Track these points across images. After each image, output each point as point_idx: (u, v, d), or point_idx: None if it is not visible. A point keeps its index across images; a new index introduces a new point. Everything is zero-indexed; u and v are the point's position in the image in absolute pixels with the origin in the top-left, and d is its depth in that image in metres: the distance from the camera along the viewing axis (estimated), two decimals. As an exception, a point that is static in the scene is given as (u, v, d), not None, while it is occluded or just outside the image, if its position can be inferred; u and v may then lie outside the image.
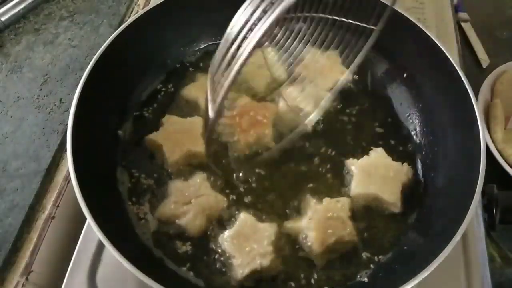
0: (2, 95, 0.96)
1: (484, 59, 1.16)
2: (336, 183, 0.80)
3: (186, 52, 0.97)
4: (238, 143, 0.82)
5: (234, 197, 0.78)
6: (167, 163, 0.79)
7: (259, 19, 0.51)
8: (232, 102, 0.87)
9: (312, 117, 0.86)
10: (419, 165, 0.82)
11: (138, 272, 0.59)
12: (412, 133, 0.86)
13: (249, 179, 0.80)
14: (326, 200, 0.74)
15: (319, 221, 0.72)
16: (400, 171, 0.78)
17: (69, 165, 0.67)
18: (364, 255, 0.73)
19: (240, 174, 0.80)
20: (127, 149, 0.83)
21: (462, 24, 1.24)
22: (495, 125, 0.97)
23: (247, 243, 0.70)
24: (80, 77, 0.76)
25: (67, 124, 0.71)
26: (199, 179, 0.77)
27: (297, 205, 0.77)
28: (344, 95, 0.90)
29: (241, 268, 0.68)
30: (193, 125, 0.83)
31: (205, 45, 0.99)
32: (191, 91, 0.89)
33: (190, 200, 0.74)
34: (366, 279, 0.70)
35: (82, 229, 0.76)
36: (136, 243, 0.73)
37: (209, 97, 0.58)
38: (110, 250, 0.60)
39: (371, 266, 0.72)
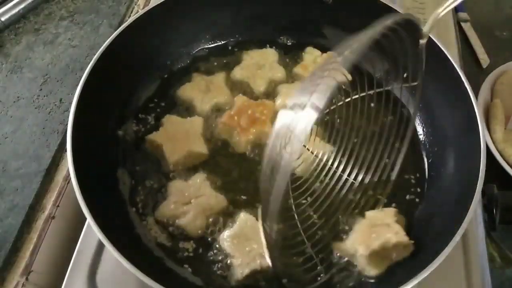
0: (2, 95, 0.96)
1: (484, 59, 1.16)
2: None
3: (185, 52, 0.97)
4: (239, 142, 0.82)
5: (235, 196, 0.78)
6: (167, 163, 0.79)
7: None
8: (229, 101, 0.88)
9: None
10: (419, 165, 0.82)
11: (138, 272, 0.58)
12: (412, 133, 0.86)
13: (249, 178, 0.80)
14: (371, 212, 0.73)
15: (364, 231, 0.71)
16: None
17: (69, 165, 0.67)
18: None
19: (241, 173, 0.81)
20: (127, 149, 0.83)
21: (462, 24, 1.24)
22: (495, 125, 0.97)
23: (247, 243, 0.70)
24: (80, 77, 0.76)
25: (67, 124, 0.71)
26: (199, 179, 0.77)
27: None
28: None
29: (241, 268, 0.68)
30: (193, 125, 0.83)
31: (205, 45, 0.99)
32: (186, 91, 0.89)
33: (190, 200, 0.74)
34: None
35: (82, 229, 0.76)
36: (136, 243, 0.73)
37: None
38: (110, 250, 0.60)
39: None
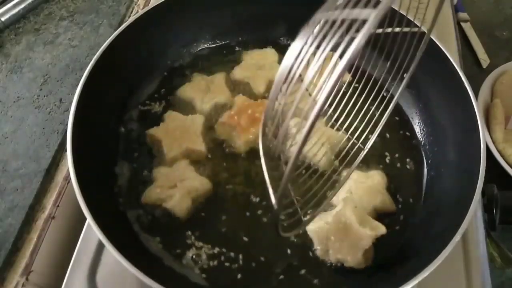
0: (2, 95, 0.96)
1: (484, 59, 1.17)
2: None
3: (185, 52, 0.97)
4: (239, 142, 0.82)
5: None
6: (165, 159, 0.80)
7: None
8: (229, 101, 0.88)
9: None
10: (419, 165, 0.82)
11: (138, 272, 0.58)
12: (412, 133, 0.86)
13: (249, 178, 0.80)
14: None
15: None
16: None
17: (69, 165, 0.67)
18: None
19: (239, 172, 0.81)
20: (127, 149, 0.83)
21: (462, 24, 1.25)
22: (495, 125, 0.97)
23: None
24: (80, 77, 0.76)
25: (67, 124, 0.71)
26: (183, 165, 0.78)
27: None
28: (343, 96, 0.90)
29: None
30: (194, 122, 0.84)
31: (205, 45, 0.99)
32: (186, 91, 0.89)
33: (175, 183, 0.75)
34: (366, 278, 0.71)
35: (82, 229, 0.76)
36: (136, 243, 0.73)
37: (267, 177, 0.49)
38: (110, 250, 0.60)
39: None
